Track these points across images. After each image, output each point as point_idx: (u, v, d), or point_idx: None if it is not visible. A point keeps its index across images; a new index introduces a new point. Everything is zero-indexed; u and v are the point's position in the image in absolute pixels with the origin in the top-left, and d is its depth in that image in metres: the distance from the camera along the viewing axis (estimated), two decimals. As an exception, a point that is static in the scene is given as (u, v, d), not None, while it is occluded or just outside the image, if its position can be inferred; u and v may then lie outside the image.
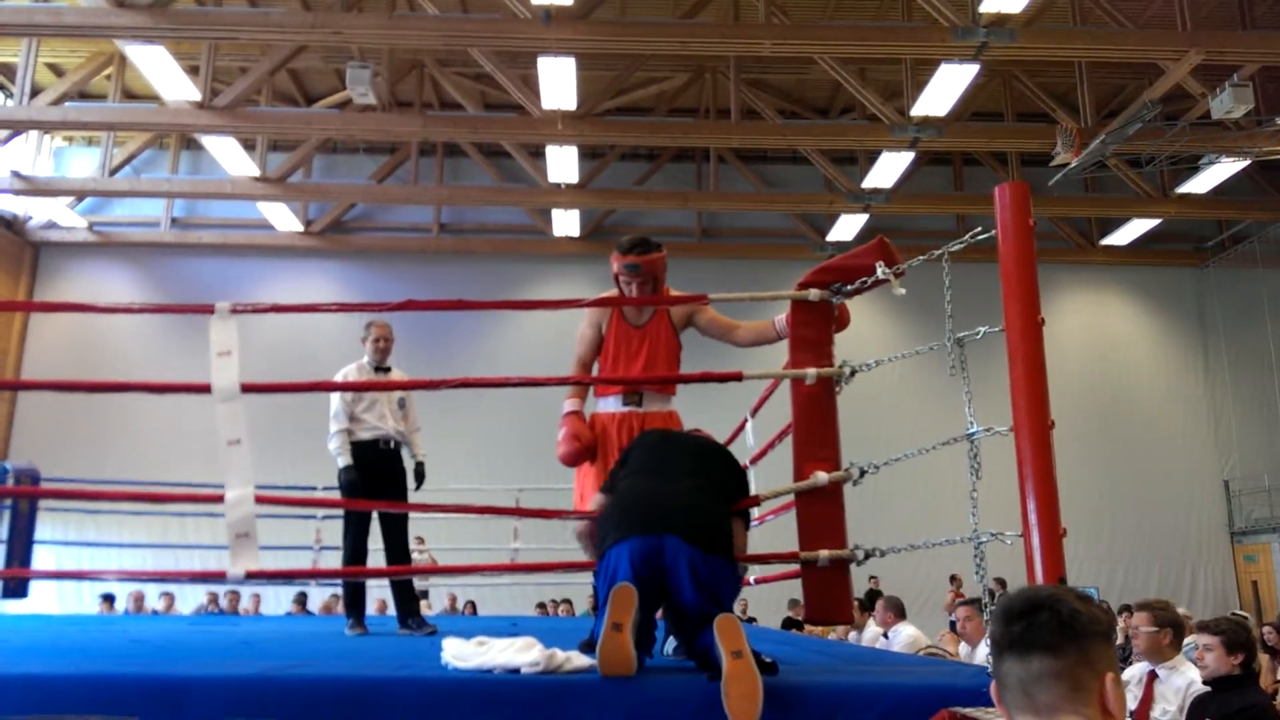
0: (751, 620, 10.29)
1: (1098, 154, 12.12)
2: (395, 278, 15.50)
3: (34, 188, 14.21)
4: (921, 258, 3.23)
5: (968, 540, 2.86)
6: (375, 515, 5.09)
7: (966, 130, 13.38)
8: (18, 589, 8.07)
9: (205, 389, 3.07)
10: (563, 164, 13.32)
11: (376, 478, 4.98)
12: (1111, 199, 15.39)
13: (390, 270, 15.85)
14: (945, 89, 11.35)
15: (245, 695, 2.09)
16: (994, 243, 2.84)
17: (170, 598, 10.99)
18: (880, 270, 3.19)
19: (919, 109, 11.90)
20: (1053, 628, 1.32)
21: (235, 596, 10.60)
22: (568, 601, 12.30)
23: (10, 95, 14.23)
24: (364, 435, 5.02)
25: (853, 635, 6.93)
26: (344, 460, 4.96)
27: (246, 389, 3.13)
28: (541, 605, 12.34)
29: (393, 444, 5.13)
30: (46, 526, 10.85)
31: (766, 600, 10.99)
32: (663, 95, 14.86)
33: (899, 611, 6.45)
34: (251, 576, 3.01)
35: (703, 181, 16.08)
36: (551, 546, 10.04)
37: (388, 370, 5.19)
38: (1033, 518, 2.58)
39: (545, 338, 15.28)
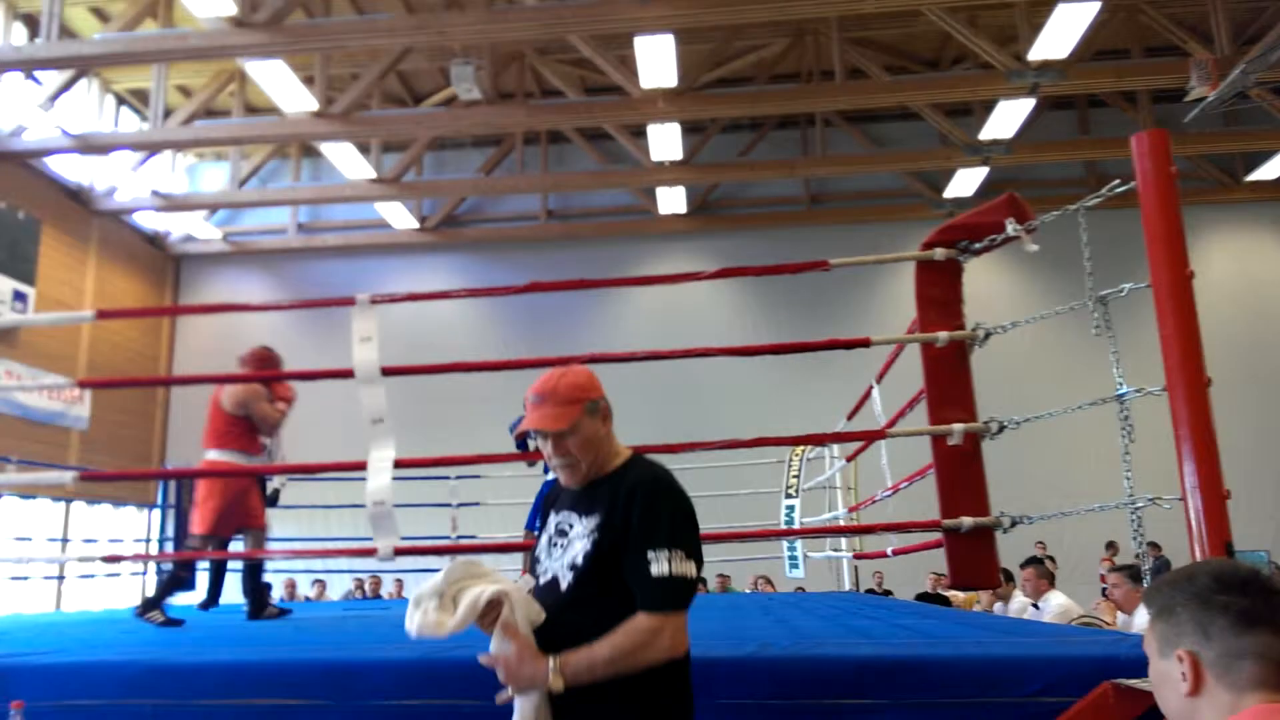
0: (888, 593, 10.12)
1: (1238, 84, 11.27)
2: (507, 266, 15.83)
3: (172, 204, 15.15)
4: (1055, 213, 3.09)
5: (1122, 506, 2.74)
6: None
7: (1090, 71, 12.61)
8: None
9: (348, 374, 3.27)
10: (665, 141, 13.28)
11: None
12: (1256, 131, 14.25)
13: (502, 259, 16.20)
14: (1064, 29, 10.76)
15: (409, 677, 2.20)
16: (1131, 190, 2.70)
17: (322, 585, 11.59)
18: (1011, 227, 3.08)
19: (1037, 52, 11.32)
20: None
21: (377, 581, 11.06)
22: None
23: (146, 118, 15.17)
24: None
25: (998, 606, 6.71)
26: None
27: (386, 372, 3.30)
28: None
29: None
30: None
31: (902, 573, 10.77)
32: (762, 63, 14.61)
33: (1049, 579, 6.20)
34: (400, 553, 3.23)
35: (809, 147, 15.76)
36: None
37: None
38: (1192, 481, 2.45)
39: (655, 314, 15.39)
